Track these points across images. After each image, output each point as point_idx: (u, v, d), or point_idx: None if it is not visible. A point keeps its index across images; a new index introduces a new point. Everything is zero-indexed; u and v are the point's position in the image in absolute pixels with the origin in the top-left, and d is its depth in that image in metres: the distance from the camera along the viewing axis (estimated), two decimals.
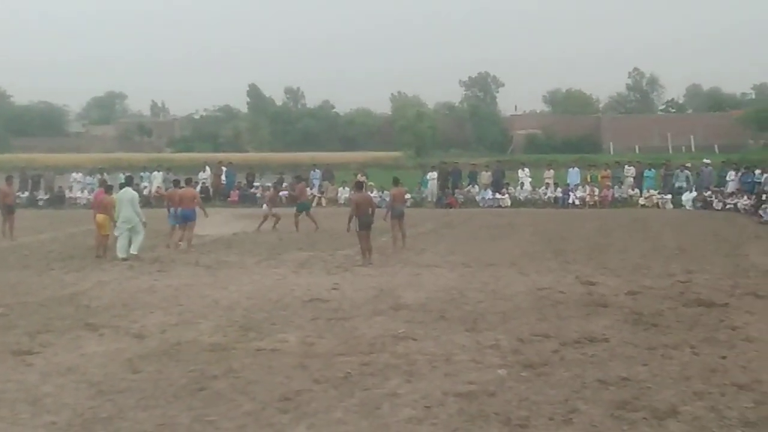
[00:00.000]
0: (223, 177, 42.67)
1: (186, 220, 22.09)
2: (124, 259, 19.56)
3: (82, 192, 40.82)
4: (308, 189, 34.80)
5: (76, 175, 43.61)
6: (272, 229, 26.25)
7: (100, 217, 20.55)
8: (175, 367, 10.03)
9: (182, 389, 9.09)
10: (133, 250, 20.06)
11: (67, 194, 41.77)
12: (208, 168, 42.77)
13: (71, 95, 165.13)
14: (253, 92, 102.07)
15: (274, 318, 12.90)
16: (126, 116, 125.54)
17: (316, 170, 42.91)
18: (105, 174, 39.38)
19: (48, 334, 11.89)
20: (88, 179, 42.13)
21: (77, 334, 11.90)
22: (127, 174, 32.03)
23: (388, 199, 25.40)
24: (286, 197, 31.01)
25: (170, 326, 12.39)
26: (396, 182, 23.06)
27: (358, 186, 21.14)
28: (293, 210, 27.21)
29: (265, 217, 26.63)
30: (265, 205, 27.82)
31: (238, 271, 17.89)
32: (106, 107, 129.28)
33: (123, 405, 8.58)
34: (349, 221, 19.60)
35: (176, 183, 24.64)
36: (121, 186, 21.49)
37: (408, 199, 36.89)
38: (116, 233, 20.23)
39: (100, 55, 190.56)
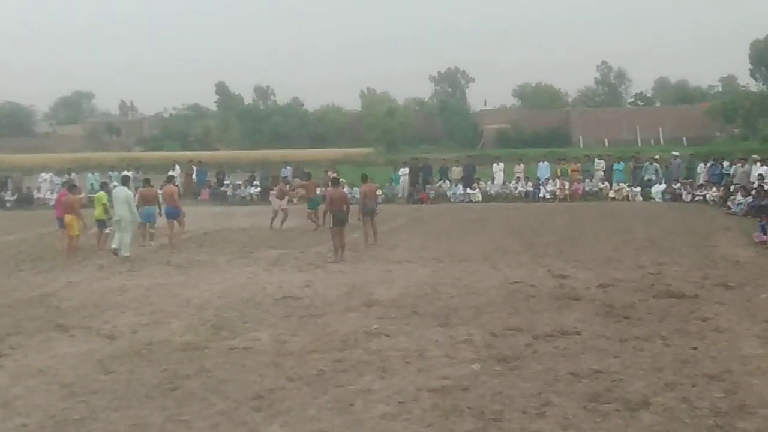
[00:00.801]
0: (194, 175, 42.57)
1: (172, 216, 22.30)
2: (120, 254, 19.71)
3: (51, 192, 40.45)
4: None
5: (45, 176, 43.25)
6: (271, 226, 26.20)
7: (68, 217, 20.42)
8: (147, 367, 9.98)
9: (154, 389, 9.05)
10: (114, 245, 19.98)
11: (35, 195, 41.42)
12: (177, 167, 42.57)
13: (39, 98, 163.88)
14: (222, 90, 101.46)
15: (246, 316, 12.86)
16: (94, 116, 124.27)
17: (287, 167, 42.81)
18: (73, 174, 39.11)
19: (18, 335, 11.78)
20: (56, 179, 41.77)
21: (48, 336, 11.81)
22: (123, 173, 32.06)
23: (358, 195, 25.36)
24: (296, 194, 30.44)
25: (142, 326, 12.32)
26: (365, 179, 23.00)
27: (334, 182, 21.16)
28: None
29: (275, 213, 26.50)
30: (276, 200, 27.38)
31: (209, 270, 17.81)
32: (73, 107, 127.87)
33: (95, 406, 8.53)
34: (324, 216, 19.62)
35: (146, 182, 24.39)
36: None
37: (379, 195, 36.97)
38: (108, 230, 20.70)
39: (67, 58, 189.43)
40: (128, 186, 21.63)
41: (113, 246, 19.87)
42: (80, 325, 12.49)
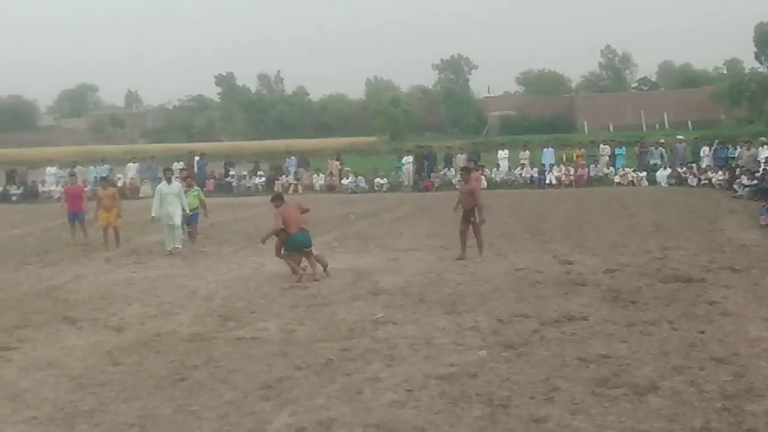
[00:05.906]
0: (195, 167, 42.51)
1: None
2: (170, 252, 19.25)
3: (56, 185, 40.46)
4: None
5: (51, 169, 43.24)
6: None
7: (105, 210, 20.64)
8: (155, 358, 9.99)
9: (163, 380, 9.06)
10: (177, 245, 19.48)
11: (41, 188, 41.46)
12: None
13: (43, 91, 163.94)
14: (225, 81, 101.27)
15: (253, 306, 12.87)
16: (98, 108, 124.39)
17: (292, 157, 42.83)
18: (78, 167, 39.13)
19: (26, 329, 11.79)
20: (60, 173, 41.79)
21: (56, 328, 11.83)
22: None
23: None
24: None
25: (149, 318, 12.34)
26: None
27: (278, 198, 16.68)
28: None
29: None
30: None
31: (215, 261, 17.83)
32: (77, 100, 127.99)
33: (104, 398, 8.54)
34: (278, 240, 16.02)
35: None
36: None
37: (384, 183, 37.16)
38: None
39: (71, 51, 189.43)
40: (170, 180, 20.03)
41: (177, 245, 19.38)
42: (88, 317, 12.51)
